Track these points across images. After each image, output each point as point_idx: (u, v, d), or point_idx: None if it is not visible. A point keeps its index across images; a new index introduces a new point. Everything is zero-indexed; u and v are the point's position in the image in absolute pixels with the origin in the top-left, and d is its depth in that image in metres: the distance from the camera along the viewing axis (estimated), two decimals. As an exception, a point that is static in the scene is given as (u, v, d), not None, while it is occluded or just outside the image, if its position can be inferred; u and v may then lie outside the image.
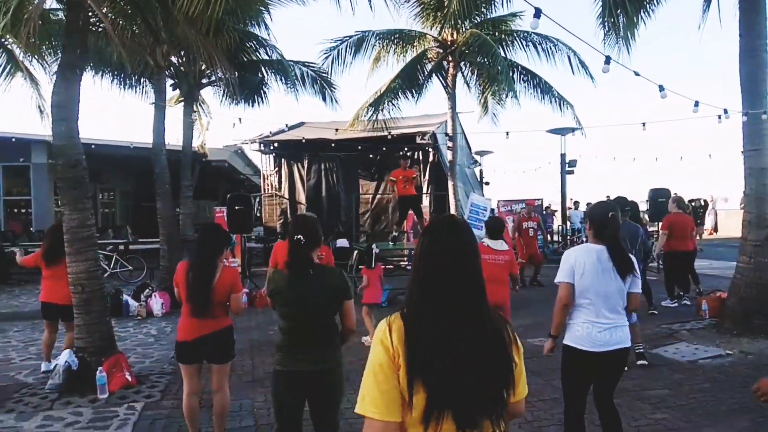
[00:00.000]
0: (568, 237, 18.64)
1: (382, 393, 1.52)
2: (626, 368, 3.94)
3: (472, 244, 1.70)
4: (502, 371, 1.57)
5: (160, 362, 6.73)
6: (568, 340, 3.55)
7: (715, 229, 23.17)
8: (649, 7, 9.11)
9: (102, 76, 12.46)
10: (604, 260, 3.46)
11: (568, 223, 19.21)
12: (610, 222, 3.53)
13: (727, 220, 22.11)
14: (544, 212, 18.01)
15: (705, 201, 21.77)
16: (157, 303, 9.70)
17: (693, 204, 17.74)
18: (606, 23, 8.82)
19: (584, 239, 17.96)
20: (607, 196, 20.33)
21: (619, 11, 8.53)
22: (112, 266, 13.42)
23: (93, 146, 13.75)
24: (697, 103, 8.58)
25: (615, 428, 3.58)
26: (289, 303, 3.06)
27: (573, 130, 16.72)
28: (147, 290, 10.26)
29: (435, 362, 1.50)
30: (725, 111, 8.65)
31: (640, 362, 6.09)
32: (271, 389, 3.19)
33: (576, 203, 20.46)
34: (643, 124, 10.72)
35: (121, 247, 15.15)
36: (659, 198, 12.38)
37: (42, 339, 6.55)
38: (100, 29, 7.76)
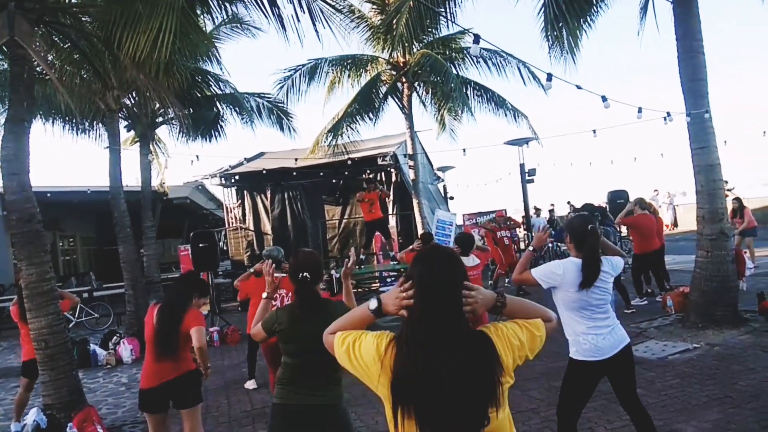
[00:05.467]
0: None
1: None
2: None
3: (462, 273, 1.81)
4: (489, 392, 1.66)
5: (133, 411, 6.56)
6: (576, 354, 3.58)
7: (675, 224, 23.77)
8: (590, 18, 9.37)
9: (53, 122, 12.23)
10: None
11: (532, 230, 19.48)
12: (588, 234, 3.57)
13: (686, 214, 22.69)
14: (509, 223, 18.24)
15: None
16: (126, 349, 9.45)
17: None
18: (549, 36, 9.05)
19: (549, 246, 18.27)
20: (568, 202, 20.80)
21: (560, 24, 8.75)
22: (77, 315, 13.04)
23: (48, 194, 13.46)
24: (640, 109, 8.87)
25: (647, 426, 3.60)
26: (295, 340, 3.02)
27: (528, 140, 17.06)
28: (115, 337, 10.00)
29: (426, 388, 1.63)
30: (668, 114, 8.96)
31: None
32: (268, 423, 3.13)
33: (538, 210, 20.78)
34: (594, 131, 11.01)
35: (85, 294, 14.74)
36: (618, 200, 12.70)
37: (14, 398, 6.32)
38: (47, 78, 7.66)
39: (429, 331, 1.68)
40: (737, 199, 12.71)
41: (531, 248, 3.82)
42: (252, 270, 6.28)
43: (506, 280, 13.47)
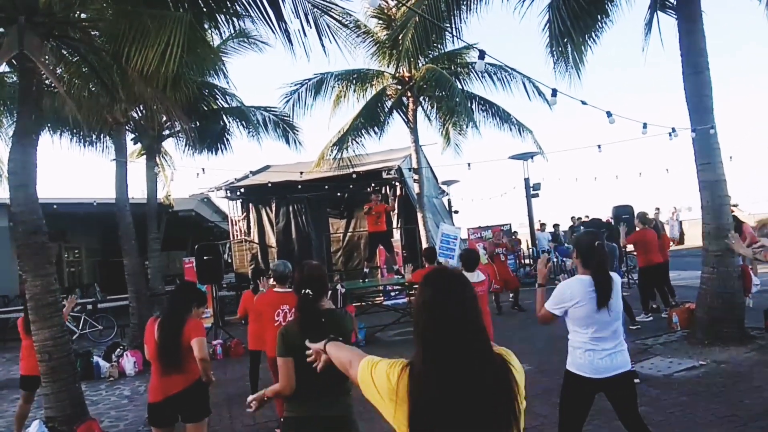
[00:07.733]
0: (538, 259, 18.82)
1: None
2: (637, 380, 3.87)
3: (472, 294, 1.73)
4: (508, 421, 1.62)
5: (135, 424, 6.53)
6: (571, 366, 3.57)
7: (681, 240, 23.59)
8: (595, 34, 9.38)
9: (60, 135, 12.29)
10: (592, 290, 3.47)
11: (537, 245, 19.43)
12: (596, 251, 3.54)
13: (692, 230, 22.50)
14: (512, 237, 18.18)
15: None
16: (129, 362, 9.43)
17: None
18: (554, 52, 9.06)
19: (554, 260, 18.22)
20: (573, 217, 20.71)
21: (565, 39, 8.78)
22: (80, 327, 13.04)
23: (55, 206, 13.55)
24: (645, 125, 8.89)
25: None
26: (303, 353, 3.02)
27: (533, 155, 17.08)
28: (118, 350, 9.99)
29: (445, 418, 1.56)
30: (673, 129, 8.97)
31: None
32: None
33: (543, 225, 20.73)
34: (599, 146, 11.01)
35: (90, 306, 14.76)
36: (623, 215, 12.66)
37: (15, 411, 6.30)
38: (55, 91, 7.73)
39: (445, 356, 1.61)
40: (733, 217, 12.58)
41: (538, 285, 3.79)
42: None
43: (510, 295, 13.43)
